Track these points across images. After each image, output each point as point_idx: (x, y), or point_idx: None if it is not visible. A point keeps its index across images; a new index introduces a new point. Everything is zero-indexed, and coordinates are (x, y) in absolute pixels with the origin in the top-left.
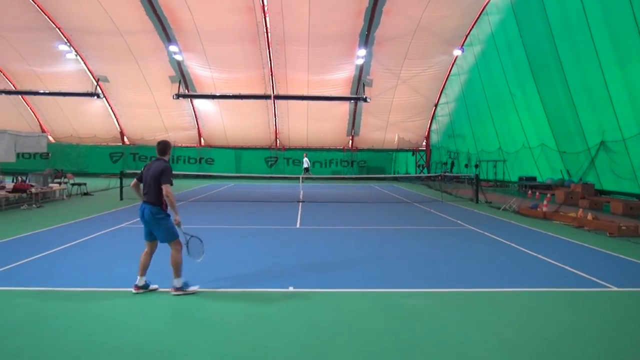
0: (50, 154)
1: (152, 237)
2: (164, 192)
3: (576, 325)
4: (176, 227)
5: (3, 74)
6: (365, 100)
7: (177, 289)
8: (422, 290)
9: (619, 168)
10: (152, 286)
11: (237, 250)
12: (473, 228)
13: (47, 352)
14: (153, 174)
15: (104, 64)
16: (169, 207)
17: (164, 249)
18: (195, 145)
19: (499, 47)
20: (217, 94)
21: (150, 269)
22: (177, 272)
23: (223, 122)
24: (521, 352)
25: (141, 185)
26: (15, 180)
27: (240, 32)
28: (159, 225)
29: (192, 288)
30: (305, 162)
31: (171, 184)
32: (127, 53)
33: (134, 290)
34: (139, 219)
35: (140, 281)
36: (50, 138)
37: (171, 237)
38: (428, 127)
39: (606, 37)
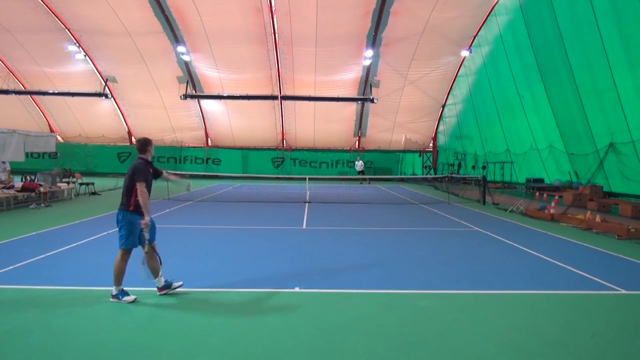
0: (58, 154)
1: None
2: (138, 191)
3: (585, 328)
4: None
5: (13, 74)
6: (372, 101)
7: (113, 297)
8: (430, 291)
9: (628, 170)
10: (176, 283)
11: (243, 251)
12: (480, 230)
13: (58, 350)
14: (127, 173)
15: (112, 64)
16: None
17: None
18: (203, 145)
19: (507, 49)
20: (225, 95)
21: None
22: (117, 280)
23: (230, 123)
24: (530, 354)
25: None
26: (24, 180)
27: (248, 33)
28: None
29: (127, 298)
30: (359, 166)
31: (145, 183)
32: (135, 54)
33: (158, 293)
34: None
35: (159, 282)
36: (59, 138)
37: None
38: (435, 128)
39: (616, 39)
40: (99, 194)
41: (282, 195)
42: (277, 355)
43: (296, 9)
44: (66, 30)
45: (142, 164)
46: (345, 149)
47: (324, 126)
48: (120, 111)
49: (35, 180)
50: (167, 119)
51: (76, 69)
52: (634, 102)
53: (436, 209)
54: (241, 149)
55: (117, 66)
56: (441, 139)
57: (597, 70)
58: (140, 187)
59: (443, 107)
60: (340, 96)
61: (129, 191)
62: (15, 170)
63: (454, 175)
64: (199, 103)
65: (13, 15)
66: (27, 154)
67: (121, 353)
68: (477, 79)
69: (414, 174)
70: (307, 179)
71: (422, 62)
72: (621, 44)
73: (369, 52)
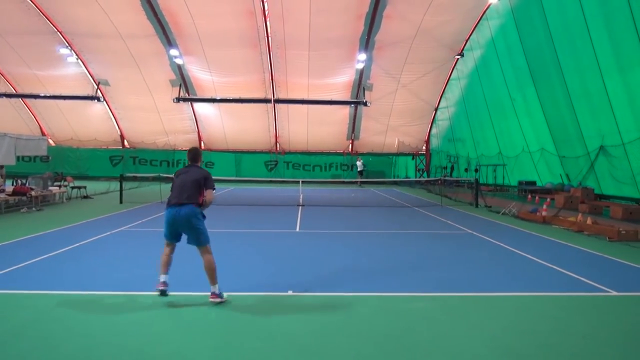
0: (50, 157)
1: (177, 239)
2: (209, 197)
3: (576, 330)
4: None
5: (4, 77)
6: (365, 104)
7: (215, 295)
8: (422, 294)
9: (618, 172)
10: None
11: (236, 254)
12: (473, 232)
13: (50, 355)
14: (194, 177)
15: (104, 67)
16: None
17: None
18: None
19: (499, 52)
20: (218, 98)
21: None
22: (214, 279)
23: (223, 126)
24: (521, 356)
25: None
26: (15, 183)
27: (241, 36)
28: (197, 226)
29: (225, 295)
30: (360, 166)
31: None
32: (128, 57)
33: (160, 288)
34: (164, 220)
35: (166, 278)
36: (51, 141)
37: (206, 240)
38: (428, 131)
39: (606, 43)
40: (91, 198)
41: (276, 199)
42: (270, 358)
43: (289, 12)
44: (58, 33)
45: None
46: (338, 152)
47: (317, 129)
48: (113, 114)
49: (27, 184)
50: (159, 122)
51: (68, 71)
52: (623, 105)
53: (429, 211)
54: (234, 152)
55: (109, 69)
56: (434, 142)
57: (587, 73)
58: (213, 194)
59: (436, 110)
60: (333, 99)
61: (199, 193)
62: (6, 174)
63: (446, 178)
64: (192, 106)
65: (4, 18)
66: (18, 158)
67: (114, 357)
68: (469, 82)
69: (407, 177)
70: (301, 182)
71: (414, 66)
72: (611, 48)
73: (362, 56)
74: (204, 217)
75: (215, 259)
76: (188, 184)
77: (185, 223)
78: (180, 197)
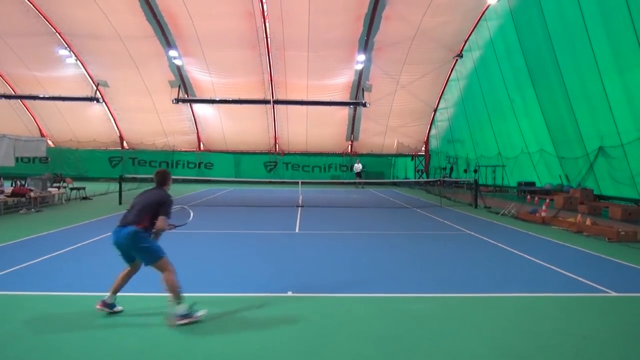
0: (49, 159)
1: (130, 261)
2: (159, 224)
3: (576, 330)
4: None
5: (3, 78)
6: (364, 105)
7: (180, 317)
8: (422, 295)
9: (617, 173)
10: (118, 308)
11: (235, 255)
12: (472, 233)
13: (50, 356)
14: (149, 201)
15: (103, 68)
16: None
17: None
18: (195, 149)
19: (498, 53)
20: (217, 99)
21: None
22: (177, 297)
23: (222, 127)
24: (521, 357)
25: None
26: (14, 185)
27: (240, 37)
28: (141, 246)
29: (200, 313)
30: (357, 168)
31: (169, 217)
32: (127, 58)
33: (97, 307)
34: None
35: (109, 299)
36: (50, 142)
37: (156, 255)
38: (427, 132)
39: (605, 44)
40: (90, 199)
41: (275, 200)
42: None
43: (288, 14)
44: (57, 34)
45: (171, 198)
46: (337, 153)
47: (316, 130)
48: (112, 115)
49: (26, 185)
50: (159, 123)
51: (67, 73)
52: (622, 106)
53: (428, 212)
54: (234, 153)
55: (108, 70)
56: (433, 143)
57: (586, 74)
58: (165, 223)
59: (435, 111)
60: (332, 100)
61: (150, 215)
62: (5, 175)
63: (446, 178)
64: (191, 107)
65: (3, 19)
66: (17, 159)
67: (114, 357)
68: (468, 83)
69: (406, 178)
70: (300, 183)
71: (413, 67)
72: (610, 49)
73: (361, 57)
74: (153, 237)
75: (215, 259)
76: (139, 205)
77: (128, 244)
78: (126, 219)
